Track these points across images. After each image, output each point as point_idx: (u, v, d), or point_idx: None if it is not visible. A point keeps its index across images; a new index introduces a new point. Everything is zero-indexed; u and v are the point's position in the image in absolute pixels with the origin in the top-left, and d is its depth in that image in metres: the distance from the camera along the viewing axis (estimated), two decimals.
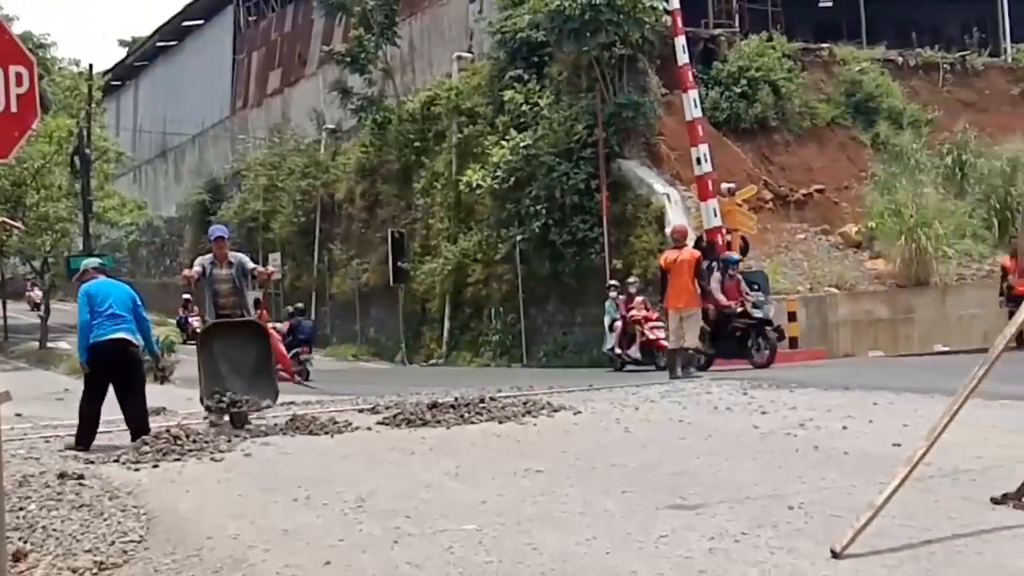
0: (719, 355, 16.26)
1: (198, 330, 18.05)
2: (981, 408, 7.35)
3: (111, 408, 9.15)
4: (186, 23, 47.80)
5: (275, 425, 9.61)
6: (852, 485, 5.85)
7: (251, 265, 10.70)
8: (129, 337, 9.05)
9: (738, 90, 24.76)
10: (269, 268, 12.19)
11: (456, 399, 10.21)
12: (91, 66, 34.27)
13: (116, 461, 7.86)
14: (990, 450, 6.62)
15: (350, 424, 9.45)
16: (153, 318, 38.30)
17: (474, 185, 25.05)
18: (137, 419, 9.04)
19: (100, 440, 9.00)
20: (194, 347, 11.11)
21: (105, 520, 5.79)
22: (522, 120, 24.63)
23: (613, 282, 20.35)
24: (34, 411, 13.66)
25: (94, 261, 10.65)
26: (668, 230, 18.62)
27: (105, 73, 45.41)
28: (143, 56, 52.64)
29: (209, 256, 10.51)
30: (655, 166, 23.35)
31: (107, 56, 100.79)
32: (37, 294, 35.36)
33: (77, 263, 18.30)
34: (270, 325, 16.94)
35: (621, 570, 4.43)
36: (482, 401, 9.97)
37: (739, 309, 16.13)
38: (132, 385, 9.16)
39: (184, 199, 45.12)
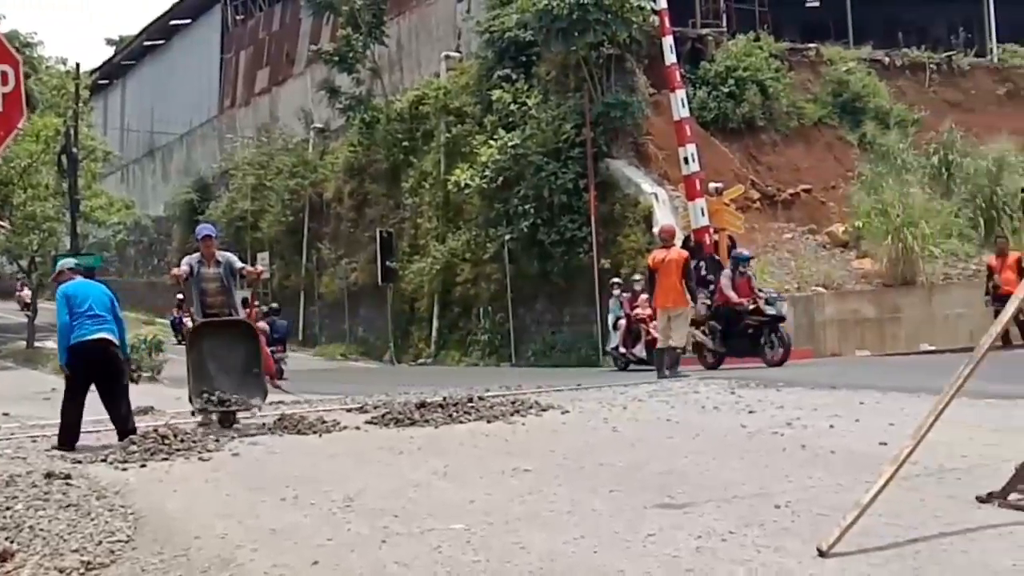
0: (731, 353, 15.99)
1: None
2: (967, 407, 7.40)
3: (98, 408, 9.11)
4: (174, 22, 47.67)
5: (263, 425, 9.58)
6: (839, 484, 5.87)
7: (239, 264, 10.66)
8: (111, 337, 9.02)
9: (725, 90, 24.84)
10: (258, 267, 12.14)
11: (444, 398, 10.19)
12: (78, 65, 34.12)
13: (103, 461, 7.82)
14: (976, 449, 6.64)
15: (338, 424, 9.42)
16: (142, 317, 37.94)
17: (462, 184, 25.05)
18: (122, 420, 9.00)
19: (87, 440, 8.96)
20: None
21: (92, 520, 5.76)
22: (510, 119, 24.63)
23: (617, 280, 20.29)
24: (21, 411, 13.60)
25: (70, 261, 10.54)
26: (656, 230, 18.63)
27: (92, 72, 45.20)
28: (131, 55, 52.47)
29: (197, 255, 10.45)
30: (643, 166, 23.39)
31: (94, 55, 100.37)
32: (27, 294, 35.15)
33: None
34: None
35: (609, 569, 4.43)
36: (470, 400, 9.95)
37: (751, 306, 15.78)
38: (115, 386, 9.13)
39: (172, 198, 44.99)
